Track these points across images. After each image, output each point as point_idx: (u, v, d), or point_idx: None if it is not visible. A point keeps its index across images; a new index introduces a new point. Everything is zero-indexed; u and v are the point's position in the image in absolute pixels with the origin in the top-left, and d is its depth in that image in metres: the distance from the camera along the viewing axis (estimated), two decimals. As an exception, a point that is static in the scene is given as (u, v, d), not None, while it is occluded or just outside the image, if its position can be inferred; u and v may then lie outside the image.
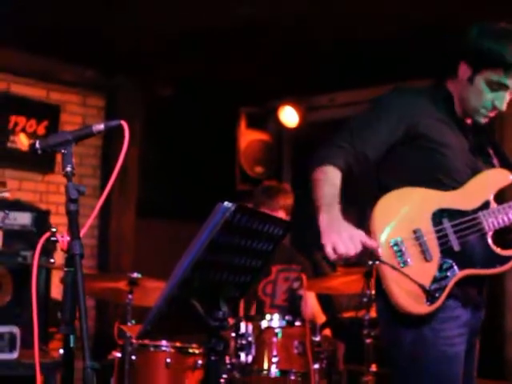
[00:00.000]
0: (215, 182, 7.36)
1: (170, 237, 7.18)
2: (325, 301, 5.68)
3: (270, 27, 5.86)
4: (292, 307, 4.96)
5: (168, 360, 4.70)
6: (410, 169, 3.20)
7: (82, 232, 2.30)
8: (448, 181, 3.20)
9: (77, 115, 7.06)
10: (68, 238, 2.27)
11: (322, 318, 5.22)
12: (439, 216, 3.15)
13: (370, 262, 3.04)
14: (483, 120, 3.26)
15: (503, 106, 3.19)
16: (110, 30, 5.99)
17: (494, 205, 3.21)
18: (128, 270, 5.87)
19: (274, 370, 4.50)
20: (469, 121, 3.32)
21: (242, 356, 4.51)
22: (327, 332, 5.08)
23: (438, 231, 3.12)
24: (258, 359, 4.52)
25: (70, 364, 2.28)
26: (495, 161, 3.35)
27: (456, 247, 3.12)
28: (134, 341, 4.70)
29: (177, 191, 7.35)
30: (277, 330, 4.57)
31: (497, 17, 3.23)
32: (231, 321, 4.48)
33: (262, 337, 4.56)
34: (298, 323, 4.58)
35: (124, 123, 2.39)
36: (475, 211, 3.18)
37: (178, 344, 4.77)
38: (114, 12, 5.64)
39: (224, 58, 6.58)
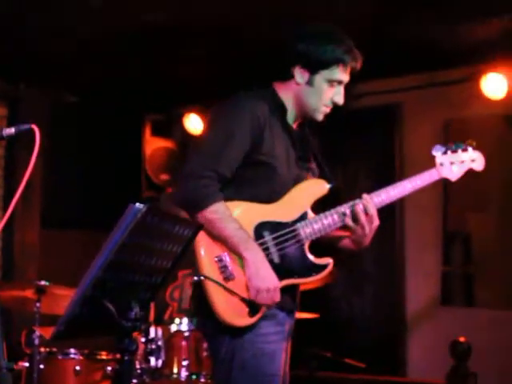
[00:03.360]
0: (121, 189, 7.34)
1: (76, 246, 7.12)
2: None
3: (175, 35, 5.89)
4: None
5: (77, 367, 4.70)
6: (239, 182, 3.25)
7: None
8: (274, 193, 3.28)
9: (-23, 123, 6.95)
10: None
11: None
12: (261, 229, 3.24)
13: (196, 278, 3.16)
14: (321, 117, 3.36)
15: (342, 100, 3.34)
16: (11, 39, 5.93)
17: (311, 215, 3.31)
18: (33, 279, 5.81)
19: (184, 374, 4.54)
20: (295, 127, 3.42)
21: (152, 360, 4.54)
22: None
23: (259, 244, 3.21)
24: (167, 363, 4.56)
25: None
26: (315, 169, 3.48)
27: (276, 259, 3.23)
28: (41, 349, 4.67)
29: (82, 200, 7.30)
30: (186, 334, 4.61)
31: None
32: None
33: (172, 341, 4.59)
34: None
35: (35, 127, 2.39)
36: (294, 222, 3.28)
37: (86, 351, 4.77)
38: (14, 21, 5.59)
39: (128, 65, 6.58)
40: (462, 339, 5.48)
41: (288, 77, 3.36)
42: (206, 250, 3.19)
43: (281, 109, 3.36)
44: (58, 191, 7.23)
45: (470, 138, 6.31)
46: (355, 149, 6.91)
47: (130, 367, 2.67)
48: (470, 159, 3.49)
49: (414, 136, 6.72)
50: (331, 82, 3.30)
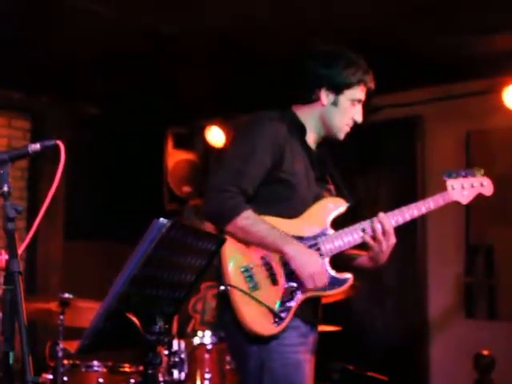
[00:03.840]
0: (143, 202, 7.39)
1: (99, 258, 7.17)
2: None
3: (193, 48, 5.92)
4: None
5: (100, 380, 4.72)
6: (261, 199, 3.35)
7: (21, 249, 2.34)
8: (295, 210, 3.39)
9: (2, 137, 7.02)
10: (6, 257, 2.31)
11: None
12: None
13: (222, 287, 3.25)
14: (343, 136, 3.55)
15: (361, 118, 3.53)
16: (33, 52, 5.98)
17: (330, 231, 3.42)
18: (56, 291, 5.85)
19: (207, 387, 4.57)
20: (313, 148, 3.57)
21: (175, 373, 4.55)
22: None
23: (281, 257, 3.30)
24: (190, 376, 4.58)
25: (11, 381, 2.31)
26: (332, 189, 3.62)
27: None
28: (65, 362, 4.70)
29: (105, 212, 7.34)
30: (209, 347, 4.63)
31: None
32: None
33: (195, 353, 4.61)
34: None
35: (60, 143, 2.43)
36: (315, 238, 3.39)
37: (109, 363, 4.79)
38: (36, 34, 5.64)
39: (150, 79, 6.62)
40: (485, 352, 5.46)
41: (309, 99, 3.52)
42: (231, 261, 3.27)
43: (300, 129, 3.50)
44: (81, 204, 7.27)
45: (491, 150, 6.35)
46: (376, 161, 6.92)
47: (154, 380, 2.68)
48: (480, 183, 3.62)
49: (435, 148, 6.72)
50: (353, 101, 3.49)
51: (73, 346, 4.65)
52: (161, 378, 4.53)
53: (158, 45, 5.85)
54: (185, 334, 4.81)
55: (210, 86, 6.68)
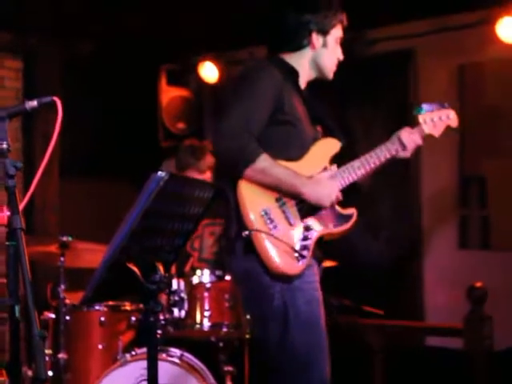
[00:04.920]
0: (138, 140, 7.41)
1: (96, 196, 7.22)
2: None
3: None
4: (221, 260, 5.11)
5: (102, 318, 4.80)
6: (267, 142, 3.44)
7: (21, 205, 2.39)
8: (299, 151, 3.55)
9: (-6, 78, 7.00)
10: (8, 213, 2.35)
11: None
12: None
13: (246, 232, 3.34)
14: (332, 75, 3.74)
15: (342, 56, 3.73)
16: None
17: (329, 169, 3.59)
18: (55, 231, 5.91)
19: (207, 324, 4.66)
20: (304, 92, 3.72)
21: (176, 311, 4.66)
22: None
23: (294, 197, 3.46)
24: (190, 314, 4.68)
25: (16, 333, 2.38)
26: (320, 130, 3.76)
27: (310, 211, 3.48)
28: (67, 301, 4.79)
29: (100, 151, 7.35)
30: (208, 285, 4.71)
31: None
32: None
33: (194, 292, 4.70)
34: (228, 277, 4.73)
35: (57, 99, 2.47)
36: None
37: (110, 303, 4.87)
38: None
39: (143, 15, 6.58)
40: (478, 284, 5.55)
41: (300, 46, 3.65)
42: (250, 206, 3.38)
43: (293, 73, 3.63)
44: (76, 142, 7.26)
45: (484, 83, 6.35)
46: (370, 96, 6.91)
47: (155, 326, 2.77)
48: (446, 116, 3.77)
49: (428, 81, 6.71)
50: (337, 40, 3.70)
51: (73, 297, 4.75)
52: (161, 317, 4.63)
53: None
54: (183, 274, 4.89)
55: (203, 21, 6.64)
